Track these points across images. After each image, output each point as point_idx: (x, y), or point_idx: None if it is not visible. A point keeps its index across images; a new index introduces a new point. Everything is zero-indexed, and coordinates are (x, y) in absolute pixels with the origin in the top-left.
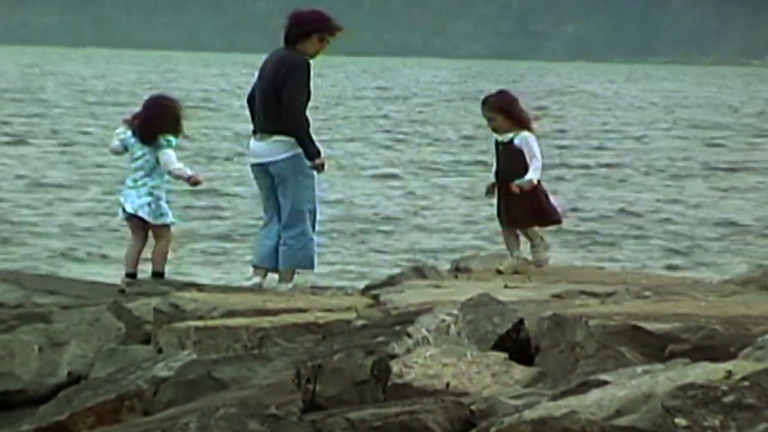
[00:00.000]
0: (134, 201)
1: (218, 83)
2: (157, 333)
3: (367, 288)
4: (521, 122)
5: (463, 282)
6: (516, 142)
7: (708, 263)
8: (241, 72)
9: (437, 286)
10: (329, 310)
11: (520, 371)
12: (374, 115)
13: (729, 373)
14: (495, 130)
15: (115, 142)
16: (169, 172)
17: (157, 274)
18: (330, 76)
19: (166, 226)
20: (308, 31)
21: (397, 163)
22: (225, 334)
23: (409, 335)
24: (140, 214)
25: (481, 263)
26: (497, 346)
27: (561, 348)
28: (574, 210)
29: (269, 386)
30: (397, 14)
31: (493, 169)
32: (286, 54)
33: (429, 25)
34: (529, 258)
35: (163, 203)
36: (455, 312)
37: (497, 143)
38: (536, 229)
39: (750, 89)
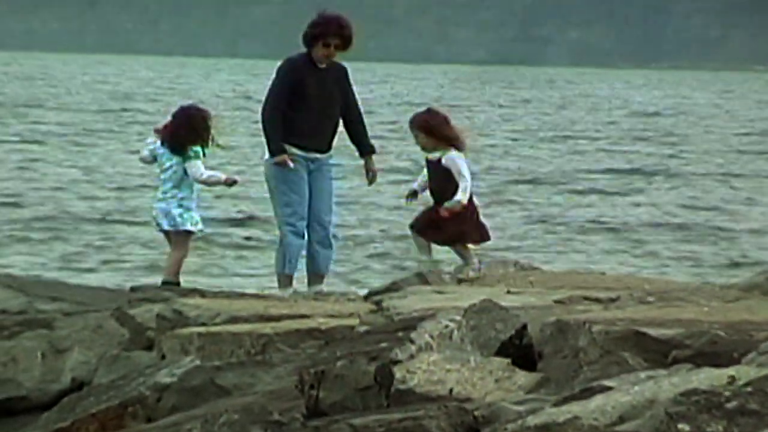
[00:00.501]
0: (165, 214)
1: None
2: (160, 339)
3: (370, 294)
4: (446, 141)
5: (465, 288)
6: (443, 161)
7: None
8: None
9: (440, 292)
10: (332, 316)
11: (523, 377)
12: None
13: (732, 379)
14: (422, 147)
15: (145, 152)
16: (202, 182)
17: (168, 283)
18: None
19: (186, 234)
20: (314, 35)
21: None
22: (228, 341)
23: (412, 341)
24: (164, 226)
25: (484, 269)
26: (500, 352)
27: (564, 354)
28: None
29: (272, 392)
30: (400, 20)
31: (419, 179)
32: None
33: (432, 31)
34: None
35: (190, 214)
36: (458, 318)
37: (426, 160)
38: (469, 246)
39: None
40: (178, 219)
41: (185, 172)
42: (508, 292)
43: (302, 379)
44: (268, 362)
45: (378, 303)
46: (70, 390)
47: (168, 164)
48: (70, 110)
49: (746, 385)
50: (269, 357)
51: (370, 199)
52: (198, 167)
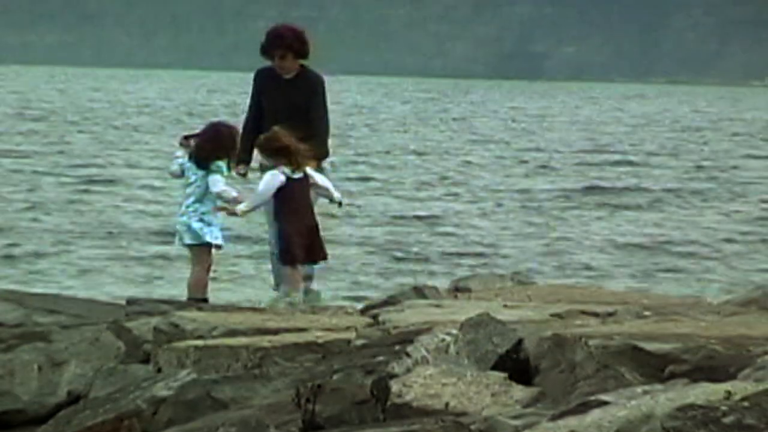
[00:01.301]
0: (187, 229)
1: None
2: (157, 352)
3: (367, 307)
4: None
5: (462, 302)
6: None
7: None
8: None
9: (437, 306)
10: (329, 330)
11: (519, 391)
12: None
13: (729, 394)
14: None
15: (174, 166)
16: (218, 196)
17: (195, 300)
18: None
19: (206, 247)
20: (263, 50)
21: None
22: (225, 354)
23: (408, 355)
24: (186, 240)
25: (481, 283)
26: (497, 366)
27: (561, 368)
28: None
29: (269, 406)
30: (398, 34)
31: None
32: None
33: (429, 45)
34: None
35: (210, 228)
36: (455, 332)
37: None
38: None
39: None
40: (199, 232)
41: (208, 186)
42: (505, 305)
43: (299, 392)
44: (265, 375)
45: (375, 317)
46: (66, 403)
47: (193, 178)
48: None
49: (743, 400)
50: (266, 370)
51: (365, 211)
52: (217, 181)
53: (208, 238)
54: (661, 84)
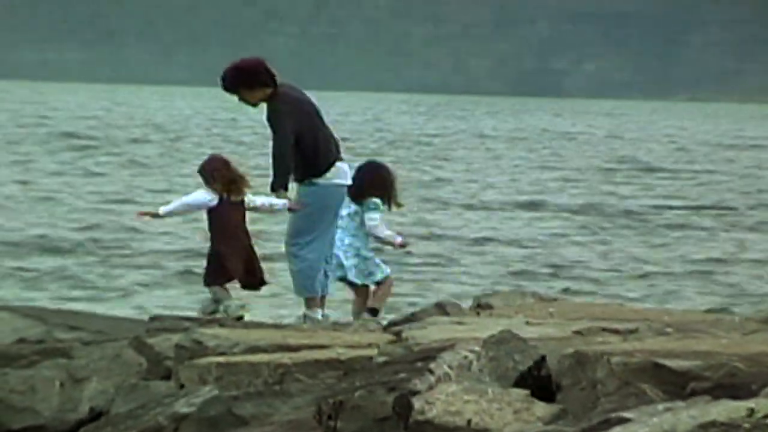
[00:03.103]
0: (343, 264)
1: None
2: (179, 369)
3: (390, 324)
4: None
5: (484, 319)
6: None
7: None
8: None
9: (459, 323)
10: (351, 347)
11: (541, 408)
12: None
13: (751, 411)
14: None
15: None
16: (376, 236)
17: (372, 311)
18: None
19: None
20: None
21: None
22: (246, 370)
23: (431, 372)
24: (349, 277)
25: (503, 300)
26: (519, 383)
27: (582, 385)
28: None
29: (290, 423)
30: (417, 52)
31: None
32: (294, 85)
33: (449, 62)
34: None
35: (370, 262)
36: (477, 349)
37: None
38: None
39: None
40: (365, 272)
41: (362, 221)
42: (527, 323)
43: (320, 409)
44: (286, 392)
45: (397, 333)
46: (88, 419)
47: (344, 212)
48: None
49: (765, 417)
50: (287, 387)
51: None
52: (376, 220)
53: (379, 277)
54: (682, 101)
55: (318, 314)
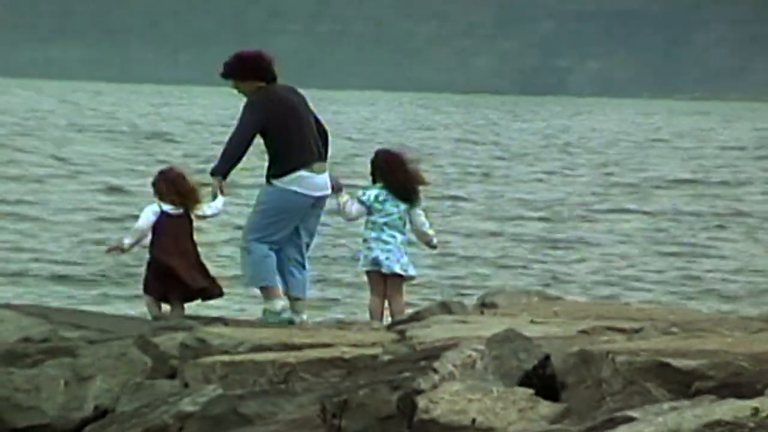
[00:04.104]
0: (397, 260)
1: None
2: (183, 368)
3: (393, 323)
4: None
5: (489, 317)
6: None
7: None
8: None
9: (463, 322)
10: (355, 345)
11: (546, 407)
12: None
13: (756, 410)
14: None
15: (355, 206)
16: (421, 233)
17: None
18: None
19: (409, 279)
20: None
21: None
22: (251, 369)
23: (435, 371)
24: (397, 270)
25: (507, 299)
26: (523, 382)
27: (587, 384)
28: None
29: (294, 421)
30: (421, 50)
31: None
32: (293, 87)
33: (453, 61)
34: None
35: (409, 260)
36: (481, 347)
37: None
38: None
39: None
40: (409, 265)
41: (408, 219)
42: (532, 321)
43: (324, 408)
44: (291, 391)
45: (401, 332)
46: (93, 418)
47: (394, 210)
48: None
49: None
50: (292, 386)
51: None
52: (424, 217)
53: (412, 272)
54: (686, 100)
55: (278, 305)
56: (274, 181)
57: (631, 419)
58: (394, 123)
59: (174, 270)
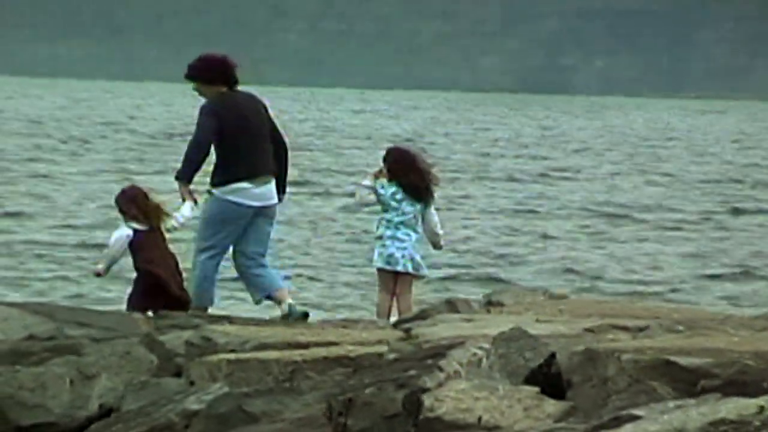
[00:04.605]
0: (411, 259)
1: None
2: (189, 366)
3: (399, 321)
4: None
5: (495, 316)
6: None
7: None
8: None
9: (469, 320)
10: (361, 344)
11: (551, 405)
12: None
13: (761, 409)
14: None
15: (367, 193)
16: (433, 234)
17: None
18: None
19: (420, 278)
20: None
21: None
22: (256, 367)
23: (440, 369)
24: (410, 269)
25: (513, 297)
26: (529, 381)
27: (593, 382)
28: None
29: (300, 420)
30: (427, 48)
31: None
32: (255, 95)
33: (458, 59)
34: None
35: (421, 259)
36: (487, 346)
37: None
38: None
39: None
40: (422, 264)
41: (422, 218)
42: (538, 320)
43: (330, 406)
44: (296, 389)
45: (407, 330)
46: (98, 416)
47: (409, 210)
48: None
49: None
50: (297, 384)
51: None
52: (437, 218)
53: (425, 271)
54: (692, 99)
55: None
56: (215, 190)
57: (636, 417)
58: (448, 122)
59: (161, 279)
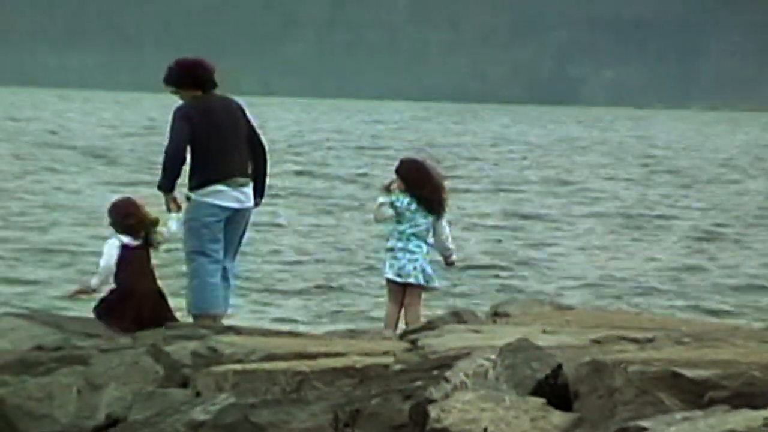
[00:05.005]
0: (422, 271)
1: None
2: (196, 376)
3: (406, 332)
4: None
5: (501, 327)
6: None
7: None
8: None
9: (476, 331)
10: (367, 354)
11: (558, 417)
12: None
13: None
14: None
15: (387, 210)
16: (444, 247)
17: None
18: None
19: (429, 290)
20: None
21: None
22: (263, 378)
23: (447, 380)
24: (421, 282)
25: (520, 308)
26: (536, 392)
27: (600, 394)
28: None
29: (307, 430)
30: (435, 59)
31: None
32: (229, 98)
33: (466, 69)
34: None
35: (432, 271)
36: (493, 357)
37: None
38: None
39: None
40: (432, 276)
41: (433, 230)
42: (544, 331)
43: (337, 417)
44: (303, 400)
45: (413, 341)
46: (105, 426)
47: (422, 222)
48: None
49: None
50: (304, 395)
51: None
52: (449, 230)
53: (436, 284)
54: (702, 110)
55: None
56: (193, 195)
57: (643, 429)
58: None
59: (136, 297)
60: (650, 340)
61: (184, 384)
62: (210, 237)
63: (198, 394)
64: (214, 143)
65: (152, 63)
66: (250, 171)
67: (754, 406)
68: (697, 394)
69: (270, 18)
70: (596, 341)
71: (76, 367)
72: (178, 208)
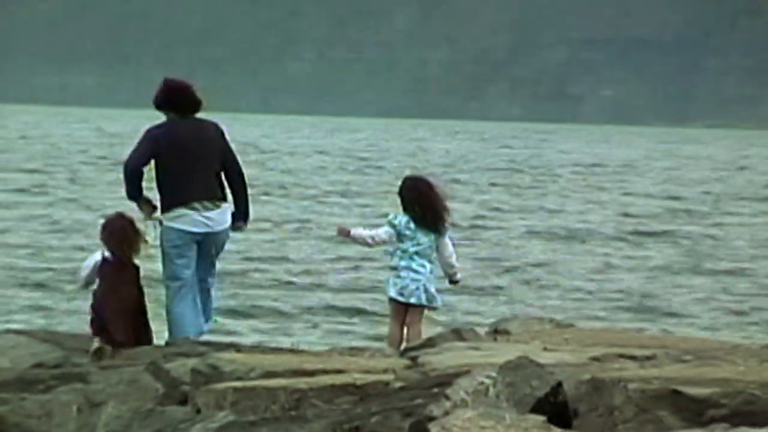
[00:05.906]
0: (425, 290)
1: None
2: (195, 394)
3: (406, 350)
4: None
5: (501, 344)
6: None
7: None
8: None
9: (476, 349)
10: (367, 372)
11: None
12: None
13: None
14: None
15: (384, 234)
16: (449, 264)
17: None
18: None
19: (432, 310)
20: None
21: None
22: (263, 395)
23: (447, 397)
24: (424, 302)
25: (520, 326)
26: (535, 410)
27: (599, 412)
28: None
29: None
30: (435, 77)
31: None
32: (207, 122)
33: (466, 88)
34: None
35: (433, 287)
36: (494, 374)
37: None
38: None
39: None
40: (436, 295)
41: (436, 248)
42: (544, 348)
43: None
44: (303, 417)
45: (413, 359)
46: None
47: (424, 240)
48: None
49: None
50: (304, 412)
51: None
52: (452, 247)
53: (438, 303)
54: (700, 128)
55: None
56: (163, 219)
57: None
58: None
59: (105, 316)
60: (650, 358)
61: (184, 401)
62: (180, 261)
63: (198, 412)
64: (177, 167)
65: (153, 81)
66: (220, 195)
67: (754, 425)
68: (696, 413)
69: (270, 36)
70: (596, 359)
71: (76, 385)
72: (153, 207)
